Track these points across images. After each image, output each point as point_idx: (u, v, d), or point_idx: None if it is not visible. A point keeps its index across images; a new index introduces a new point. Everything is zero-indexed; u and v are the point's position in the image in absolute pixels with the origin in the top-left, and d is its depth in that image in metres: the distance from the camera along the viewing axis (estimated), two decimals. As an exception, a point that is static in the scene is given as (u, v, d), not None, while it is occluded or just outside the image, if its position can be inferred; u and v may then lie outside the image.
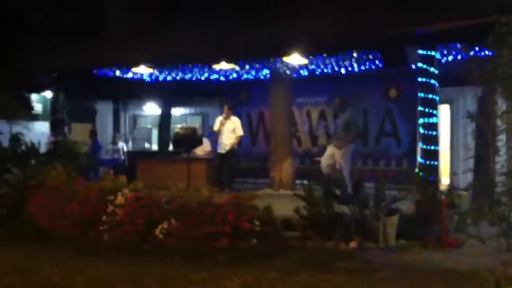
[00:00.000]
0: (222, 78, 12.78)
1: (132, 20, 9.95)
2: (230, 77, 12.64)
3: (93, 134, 14.51)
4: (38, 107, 14.35)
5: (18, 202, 9.37)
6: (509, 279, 4.54)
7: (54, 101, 11.40)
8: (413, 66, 9.25)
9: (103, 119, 16.86)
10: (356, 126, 10.83)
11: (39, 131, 12.53)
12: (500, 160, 5.32)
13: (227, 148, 11.22)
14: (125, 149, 15.33)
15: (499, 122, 5.30)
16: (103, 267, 6.81)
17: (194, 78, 12.67)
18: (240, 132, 11.43)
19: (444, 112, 12.28)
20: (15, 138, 10.64)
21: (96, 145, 14.18)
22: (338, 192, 8.16)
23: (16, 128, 11.25)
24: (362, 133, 11.68)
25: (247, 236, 7.42)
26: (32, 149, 10.64)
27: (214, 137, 11.70)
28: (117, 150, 15.40)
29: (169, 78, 12.67)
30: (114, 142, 15.54)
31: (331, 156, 10.52)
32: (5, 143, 10.66)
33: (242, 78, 12.74)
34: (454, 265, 6.58)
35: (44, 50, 10.67)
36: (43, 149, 11.09)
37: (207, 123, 15.39)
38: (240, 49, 9.55)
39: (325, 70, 11.51)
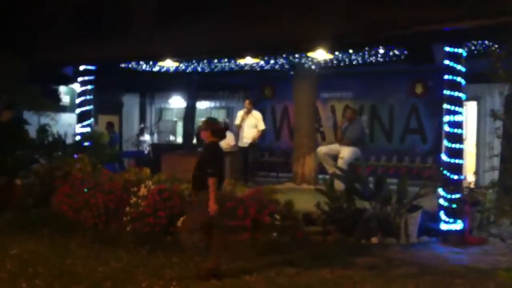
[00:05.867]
0: (247, 72, 12.77)
1: (158, 15, 10.00)
2: (255, 72, 12.63)
3: (110, 125, 14.41)
4: (65, 99, 14.52)
5: (44, 192, 9.53)
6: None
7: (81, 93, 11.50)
8: (440, 63, 9.15)
9: (129, 111, 17.00)
10: (364, 135, 11.54)
11: (66, 123, 12.67)
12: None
13: (249, 141, 11.25)
14: (150, 142, 15.47)
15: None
16: (125, 258, 6.91)
17: (219, 72, 12.68)
18: (262, 126, 11.44)
19: (471, 109, 12.14)
20: (43, 129, 10.78)
21: (113, 137, 13.92)
22: (359, 188, 8.14)
23: (44, 120, 11.37)
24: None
25: (267, 230, 7.46)
26: (59, 140, 10.79)
27: (235, 131, 11.76)
28: (142, 142, 15.54)
29: (194, 71, 12.70)
30: (141, 133, 15.67)
31: (335, 150, 10.82)
32: (33, 134, 10.83)
33: (267, 73, 12.71)
34: (475, 263, 6.55)
35: (72, 43, 10.78)
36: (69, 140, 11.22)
37: (231, 116, 15.44)
38: (265, 43, 9.53)
39: (351, 66, 11.44)
